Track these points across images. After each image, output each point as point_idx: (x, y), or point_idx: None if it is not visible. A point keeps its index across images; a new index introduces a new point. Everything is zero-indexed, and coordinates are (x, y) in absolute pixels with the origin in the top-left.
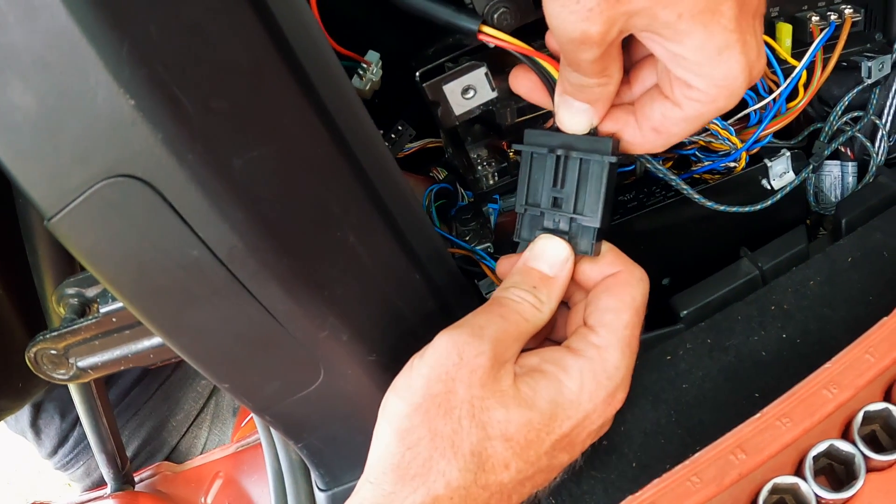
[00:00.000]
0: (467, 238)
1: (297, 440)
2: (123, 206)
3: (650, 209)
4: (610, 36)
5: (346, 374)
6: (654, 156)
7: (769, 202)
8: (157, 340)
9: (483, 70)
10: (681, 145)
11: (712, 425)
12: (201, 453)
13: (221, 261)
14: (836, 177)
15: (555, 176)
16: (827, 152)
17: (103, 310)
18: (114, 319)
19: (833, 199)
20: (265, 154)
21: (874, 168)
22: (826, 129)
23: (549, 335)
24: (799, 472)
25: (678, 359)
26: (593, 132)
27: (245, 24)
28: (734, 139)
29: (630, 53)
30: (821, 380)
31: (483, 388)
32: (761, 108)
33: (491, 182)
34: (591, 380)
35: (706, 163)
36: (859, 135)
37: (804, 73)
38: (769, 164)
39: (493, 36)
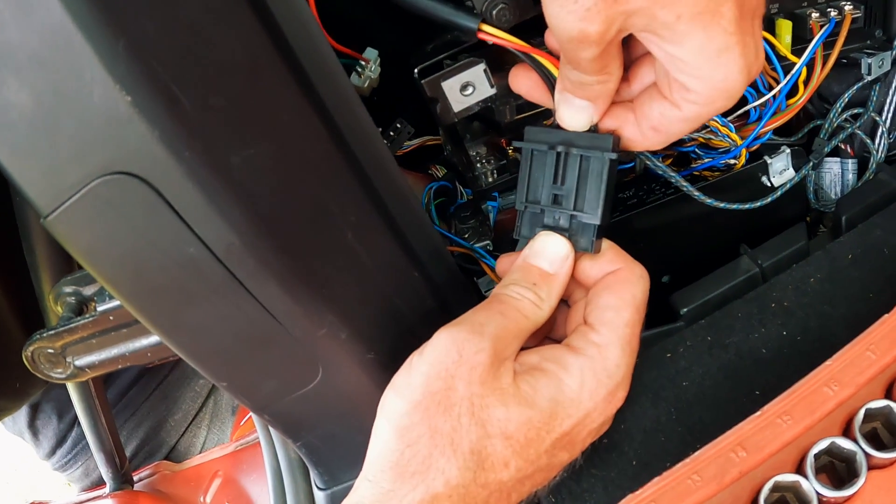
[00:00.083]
0: (466, 236)
1: (295, 439)
2: (120, 203)
3: (650, 206)
4: (608, 35)
5: (344, 372)
6: (654, 153)
7: (769, 199)
8: (154, 339)
9: (482, 67)
10: (680, 142)
11: (712, 423)
12: (200, 453)
13: (219, 259)
14: (836, 174)
15: (555, 173)
16: (827, 149)
17: (100, 308)
18: (111, 318)
19: (833, 197)
20: (263, 151)
21: (874, 165)
22: (826, 126)
23: (549, 334)
24: (800, 469)
25: (678, 356)
26: (594, 129)
27: (242, 22)
28: (734, 136)
29: (629, 50)
30: (822, 377)
31: (483, 385)
32: (761, 104)
33: (490, 180)
34: (591, 378)
35: (706, 160)
36: (859, 132)
37: (804, 70)
38: (769, 161)
39: (492, 34)
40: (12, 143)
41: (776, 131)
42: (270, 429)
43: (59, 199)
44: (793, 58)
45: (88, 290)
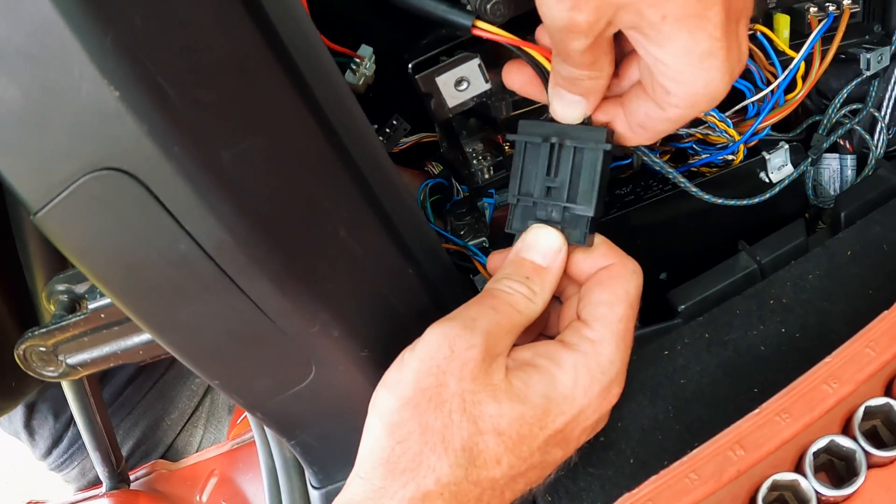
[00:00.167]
0: (462, 233)
1: (289, 437)
2: (109, 199)
3: (647, 203)
4: (598, 26)
5: (337, 370)
6: (651, 148)
7: (767, 195)
8: (146, 337)
9: (476, 61)
10: (678, 138)
11: (711, 421)
12: (197, 451)
13: (210, 255)
14: (834, 170)
15: (548, 165)
16: (825, 145)
17: (91, 306)
18: (102, 315)
19: (832, 193)
20: (254, 147)
21: (873, 161)
22: (825, 121)
23: (542, 331)
24: (799, 468)
25: (676, 354)
26: (587, 121)
27: (233, 16)
28: (732, 132)
29: (620, 46)
30: (821, 374)
31: (474, 381)
32: (759, 99)
33: (486, 176)
34: (585, 374)
35: (703, 156)
36: (858, 127)
37: (802, 65)
38: (767, 156)
39: (487, 30)
40: (0, 138)
41: (774, 127)
42: (265, 428)
43: (48, 195)
44: (791, 52)
45: (80, 288)
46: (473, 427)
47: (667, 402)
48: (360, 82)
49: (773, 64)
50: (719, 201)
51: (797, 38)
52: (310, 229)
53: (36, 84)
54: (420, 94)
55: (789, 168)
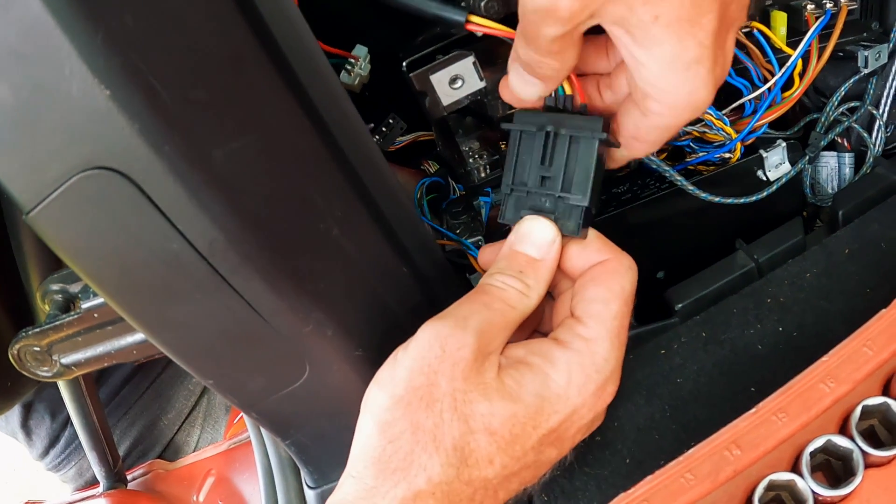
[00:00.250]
0: (458, 231)
1: (284, 437)
2: (101, 199)
3: (644, 201)
4: (579, 17)
5: (331, 369)
6: None
7: (765, 193)
8: (140, 336)
9: (471, 59)
10: (675, 136)
11: (707, 420)
12: (194, 451)
13: (202, 254)
14: (832, 168)
15: (543, 154)
16: (823, 143)
17: (85, 305)
18: (96, 315)
19: (830, 191)
20: (246, 145)
21: (871, 159)
22: (822, 119)
23: (537, 327)
24: (795, 468)
25: (673, 353)
26: (584, 109)
27: (225, 15)
28: (729, 129)
29: (611, 58)
30: (818, 373)
31: (466, 380)
32: (756, 97)
33: (482, 175)
34: (579, 373)
35: (700, 154)
36: (856, 125)
37: (799, 63)
38: (765, 154)
39: (480, 24)
40: None
41: (772, 125)
42: (261, 427)
43: (40, 194)
44: (788, 50)
45: (75, 288)
46: (465, 426)
47: (663, 402)
48: (356, 82)
49: (770, 61)
50: (716, 199)
51: (794, 35)
52: (303, 228)
53: (26, 83)
54: (415, 92)
55: (787, 166)
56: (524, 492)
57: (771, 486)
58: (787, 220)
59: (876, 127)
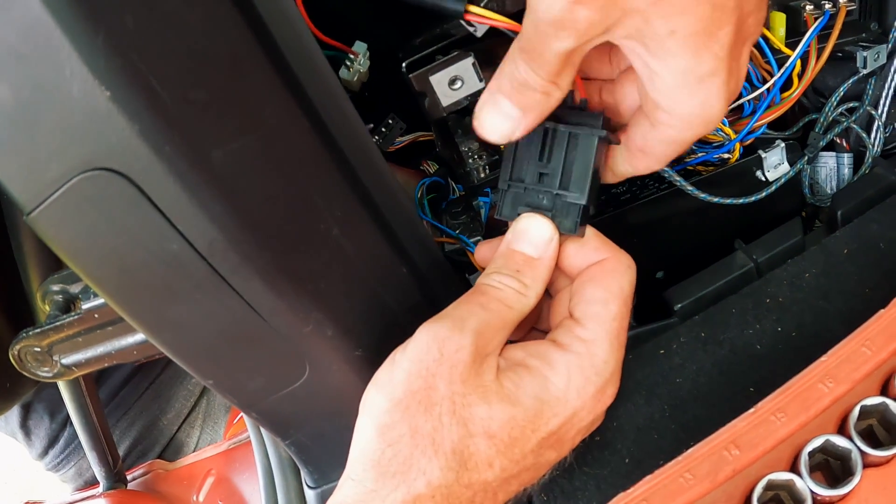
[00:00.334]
0: (457, 232)
1: (284, 437)
2: (101, 199)
3: (643, 201)
4: (595, 29)
5: (331, 369)
6: None
7: (764, 194)
8: (140, 336)
9: (470, 60)
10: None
11: (706, 420)
12: (193, 451)
13: (202, 255)
14: (831, 168)
15: (541, 150)
16: (822, 143)
17: (85, 306)
18: (96, 315)
19: (828, 191)
20: (246, 146)
21: (870, 159)
22: (821, 119)
23: (535, 324)
24: (794, 468)
25: (672, 353)
26: (584, 105)
27: (224, 14)
28: (728, 130)
29: (614, 64)
30: (817, 373)
31: (464, 384)
32: (755, 98)
33: (482, 175)
34: (578, 375)
35: (699, 154)
36: (855, 126)
37: (798, 63)
38: (763, 155)
39: (480, 15)
40: None
41: (770, 125)
42: (261, 427)
43: (40, 195)
44: (787, 50)
45: (75, 288)
46: (464, 430)
47: (662, 402)
48: (355, 79)
49: (769, 62)
50: (715, 200)
51: (793, 35)
52: (302, 228)
53: (27, 84)
54: (414, 93)
55: (786, 166)
56: (524, 492)
57: (770, 486)
58: (786, 220)
59: (875, 127)
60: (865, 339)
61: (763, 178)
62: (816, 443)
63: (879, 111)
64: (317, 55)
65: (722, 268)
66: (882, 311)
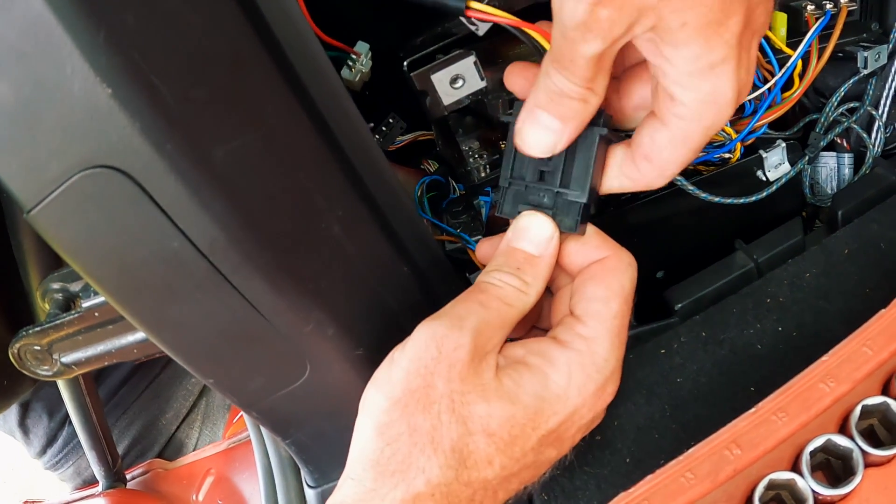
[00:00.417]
0: (458, 231)
1: (284, 436)
2: (102, 197)
3: (644, 201)
4: (618, 28)
5: (332, 369)
6: None
7: (764, 194)
8: (140, 335)
9: (472, 59)
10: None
11: (707, 420)
12: (192, 451)
13: (203, 253)
14: (832, 168)
15: None
16: (823, 143)
17: (85, 304)
18: (96, 314)
19: (829, 191)
20: (247, 144)
21: (870, 159)
22: (822, 119)
23: (535, 322)
24: (795, 467)
25: (672, 352)
26: None
27: (225, 12)
28: (728, 129)
29: (618, 62)
30: (818, 373)
31: (463, 382)
32: (756, 98)
33: (482, 174)
34: (579, 373)
35: (701, 154)
36: (855, 126)
37: (799, 63)
38: (764, 155)
39: (481, 11)
40: None
41: (771, 125)
42: (261, 427)
43: (41, 193)
44: (788, 50)
45: (75, 287)
46: (463, 428)
47: (663, 401)
48: (357, 79)
49: (770, 62)
50: (716, 199)
51: (794, 35)
52: (303, 227)
53: (28, 81)
54: (415, 92)
55: (786, 166)
56: (524, 490)
57: (771, 486)
58: (786, 220)
59: (875, 127)
60: (866, 338)
61: (764, 178)
62: (818, 442)
63: (880, 111)
64: (318, 54)
65: (722, 268)
66: (883, 311)
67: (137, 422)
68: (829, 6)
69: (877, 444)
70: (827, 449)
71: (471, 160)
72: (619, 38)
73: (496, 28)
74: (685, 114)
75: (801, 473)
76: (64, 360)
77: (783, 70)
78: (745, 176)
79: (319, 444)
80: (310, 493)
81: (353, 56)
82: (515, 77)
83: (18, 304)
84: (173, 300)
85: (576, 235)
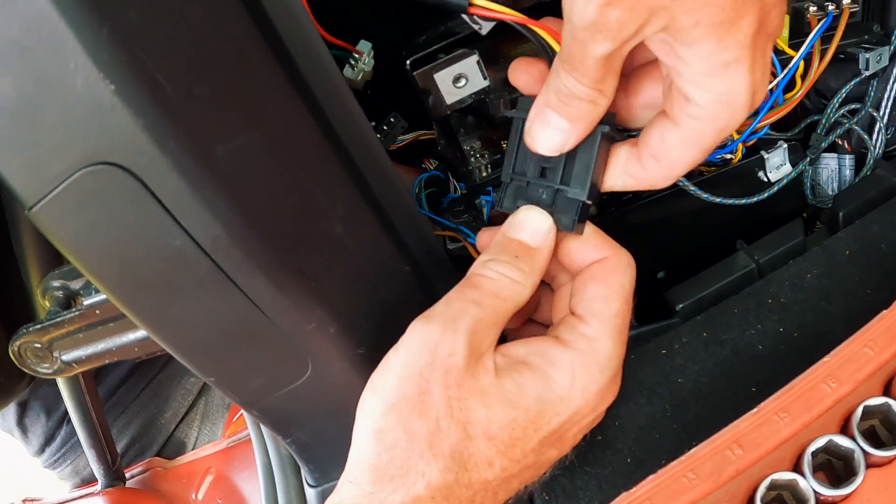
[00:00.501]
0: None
1: (285, 435)
2: (104, 194)
3: (645, 201)
4: (628, 29)
5: (334, 368)
6: None
7: (766, 194)
8: (141, 333)
9: (475, 58)
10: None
11: (708, 420)
12: (192, 450)
13: (205, 251)
14: (833, 170)
15: None
16: (824, 144)
17: (87, 302)
18: (97, 312)
19: (830, 193)
20: (250, 142)
21: (871, 161)
22: (823, 121)
23: (531, 314)
24: (797, 467)
25: (674, 353)
26: None
27: (230, 10)
28: None
29: (632, 82)
30: (819, 374)
31: (460, 388)
32: None
33: (484, 174)
34: (582, 373)
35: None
36: (857, 127)
37: (801, 64)
38: (766, 156)
39: (485, 7)
40: None
41: (773, 126)
42: (261, 425)
43: (42, 190)
44: (790, 52)
45: (76, 284)
46: (462, 433)
47: (664, 401)
48: (359, 77)
49: (772, 63)
50: (717, 200)
51: (796, 37)
52: (306, 225)
53: (30, 77)
54: (418, 91)
55: (788, 167)
56: (525, 490)
57: (773, 486)
58: (787, 221)
59: (876, 129)
60: (868, 339)
61: (765, 179)
62: (819, 443)
63: (881, 113)
64: (321, 52)
65: (723, 268)
66: (885, 311)
67: (136, 421)
68: (831, 7)
69: (878, 444)
70: (828, 449)
71: (472, 160)
72: (628, 39)
73: (498, 27)
74: (699, 114)
75: (802, 474)
76: (64, 357)
77: (785, 71)
78: (747, 177)
79: (320, 443)
80: (310, 492)
81: (356, 55)
82: (520, 73)
83: (16, 301)
84: (175, 298)
85: (576, 234)
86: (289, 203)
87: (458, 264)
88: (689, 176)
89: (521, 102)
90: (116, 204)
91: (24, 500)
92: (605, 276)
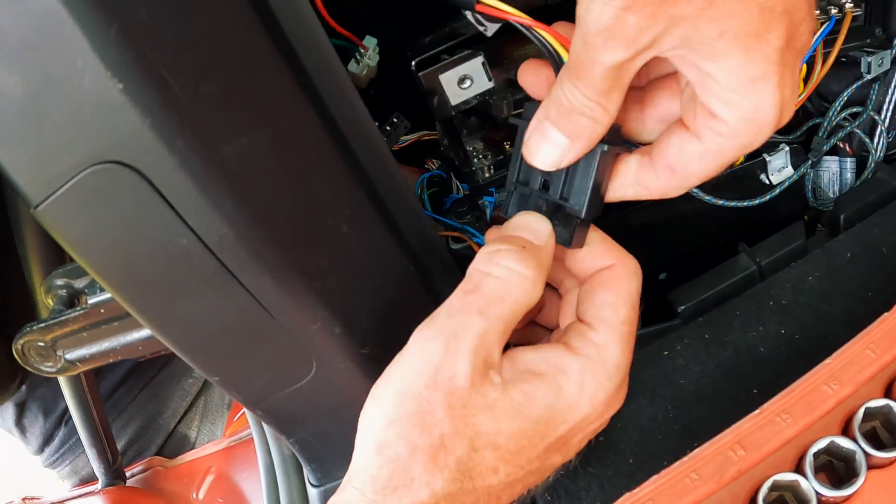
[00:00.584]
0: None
1: (288, 435)
2: (111, 193)
3: (647, 203)
4: (644, 37)
5: (338, 367)
6: None
7: (767, 197)
8: (146, 332)
9: (480, 59)
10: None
11: (710, 421)
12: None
13: (211, 250)
14: (834, 172)
15: None
16: (826, 148)
17: (91, 301)
18: (102, 311)
19: (831, 195)
20: (257, 141)
21: (873, 164)
22: (825, 124)
23: (535, 317)
24: (799, 468)
25: (675, 354)
26: None
27: (237, 10)
28: None
29: (643, 73)
30: (821, 375)
31: (466, 407)
32: None
33: (487, 175)
34: (591, 380)
35: None
36: (858, 131)
37: (804, 68)
38: (768, 158)
39: (492, 6)
40: (1, 130)
41: None
42: (264, 425)
43: (48, 188)
44: None
45: (80, 283)
46: (469, 446)
47: (666, 403)
48: (363, 73)
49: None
50: (719, 202)
51: None
52: (311, 224)
53: (38, 75)
54: (422, 91)
55: (789, 170)
56: (528, 493)
57: (775, 487)
58: (788, 223)
59: (878, 132)
60: (869, 341)
61: (767, 182)
62: (821, 444)
63: (882, 116)
64: (328, 51)
65: (725, 270)
66: (886, 314)
67: (134, 422)
68: (833, 11)
69: (879, 446)
70: (830, 451)
71: (475, 160)
72: (643, 49)
73: (503, 29)
74: (724, 131)
75: (804, 475)
76: (68, 356)
77: None
78: (748, 179)
79: (323, 442)
80: (312, 492)
81: (362, 49)
82: (528, 75)
83: (15, 301)
84: (180, 297)
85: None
86: (295, 202)
87: (462, 264)
88: None
89: (526, 108)
90: (123, 203)
91: (24, 499)
92: (613, 282)
